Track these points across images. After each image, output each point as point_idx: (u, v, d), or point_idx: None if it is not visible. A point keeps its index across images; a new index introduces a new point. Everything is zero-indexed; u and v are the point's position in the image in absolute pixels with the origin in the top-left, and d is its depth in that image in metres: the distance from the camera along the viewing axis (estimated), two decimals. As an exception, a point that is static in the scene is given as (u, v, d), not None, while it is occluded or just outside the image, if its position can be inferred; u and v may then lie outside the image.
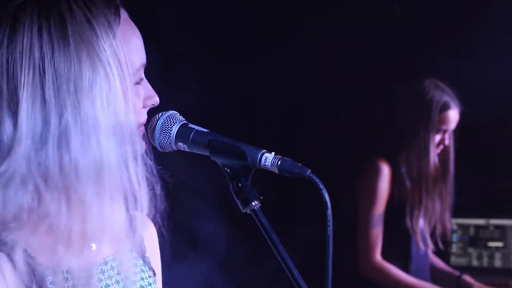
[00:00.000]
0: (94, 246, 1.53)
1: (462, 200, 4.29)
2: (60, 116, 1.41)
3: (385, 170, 3.71)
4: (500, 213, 4.40)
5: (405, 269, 3.77)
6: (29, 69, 1.41)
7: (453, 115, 3.72)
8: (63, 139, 1.41)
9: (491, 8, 4.27)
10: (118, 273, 1.57)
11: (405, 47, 4.37)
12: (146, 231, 1.70)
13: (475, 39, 4.26)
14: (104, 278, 1.55)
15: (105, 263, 1.56)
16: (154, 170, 1.61)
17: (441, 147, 3.76)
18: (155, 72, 1.67)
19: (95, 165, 1.42)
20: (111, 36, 1.45)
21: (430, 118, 3.68)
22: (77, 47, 1.42)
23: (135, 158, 1.49)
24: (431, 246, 3.81)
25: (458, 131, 3.82)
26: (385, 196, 3.72)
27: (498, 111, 4.36)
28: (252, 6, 4.32)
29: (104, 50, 1.43)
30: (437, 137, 3.73)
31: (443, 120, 3.70)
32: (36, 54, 1.41)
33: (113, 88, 1.44)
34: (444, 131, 3.73)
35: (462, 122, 3.84)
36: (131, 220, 1.64)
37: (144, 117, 1.55)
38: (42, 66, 1.41)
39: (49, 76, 1.41)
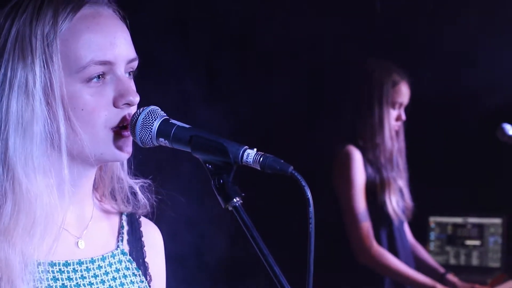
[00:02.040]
0: (82, 244, 1.57)
1: (440, 198, 4.31)
2: None
3: (356, 155, 3.71)
4: (478, 212, 4.42)
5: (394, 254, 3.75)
6: None
7: (405, 89, 3.76)
8: None
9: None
10: (105, 273, 1.58)
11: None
12: (150, 237, 1.71)
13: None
14: (89, 276, 1.55)
15: (92, 261, 1.57)
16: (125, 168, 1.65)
17: (399, 123, 3.79)
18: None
19: (5, 158, 1.46)
20: (46, 32, 1.46)
21: (382, 93, 3.72)
22: (13, 42, 1.47)
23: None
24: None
25: (438, 130, 3.84)
26: (363, 181, 3.70)
27: (478, 111, 4.38)
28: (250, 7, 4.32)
29: (35, 45, 1.46)
30: (394, 113, 3.75)
31: (396, 93, 3.74)
32: None
33: (31, 82, 1.46)
34: (400, 105, 3.76)
35: (441, 120, 3.85)
36: (131, 221, 1.67)
37: (118, 118, 1.51)
38: None
39: None
